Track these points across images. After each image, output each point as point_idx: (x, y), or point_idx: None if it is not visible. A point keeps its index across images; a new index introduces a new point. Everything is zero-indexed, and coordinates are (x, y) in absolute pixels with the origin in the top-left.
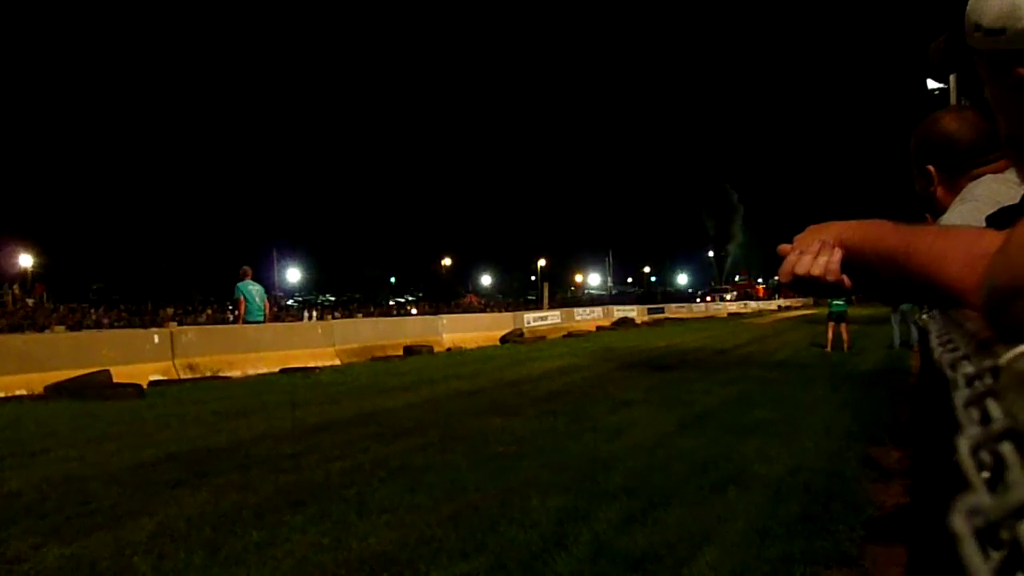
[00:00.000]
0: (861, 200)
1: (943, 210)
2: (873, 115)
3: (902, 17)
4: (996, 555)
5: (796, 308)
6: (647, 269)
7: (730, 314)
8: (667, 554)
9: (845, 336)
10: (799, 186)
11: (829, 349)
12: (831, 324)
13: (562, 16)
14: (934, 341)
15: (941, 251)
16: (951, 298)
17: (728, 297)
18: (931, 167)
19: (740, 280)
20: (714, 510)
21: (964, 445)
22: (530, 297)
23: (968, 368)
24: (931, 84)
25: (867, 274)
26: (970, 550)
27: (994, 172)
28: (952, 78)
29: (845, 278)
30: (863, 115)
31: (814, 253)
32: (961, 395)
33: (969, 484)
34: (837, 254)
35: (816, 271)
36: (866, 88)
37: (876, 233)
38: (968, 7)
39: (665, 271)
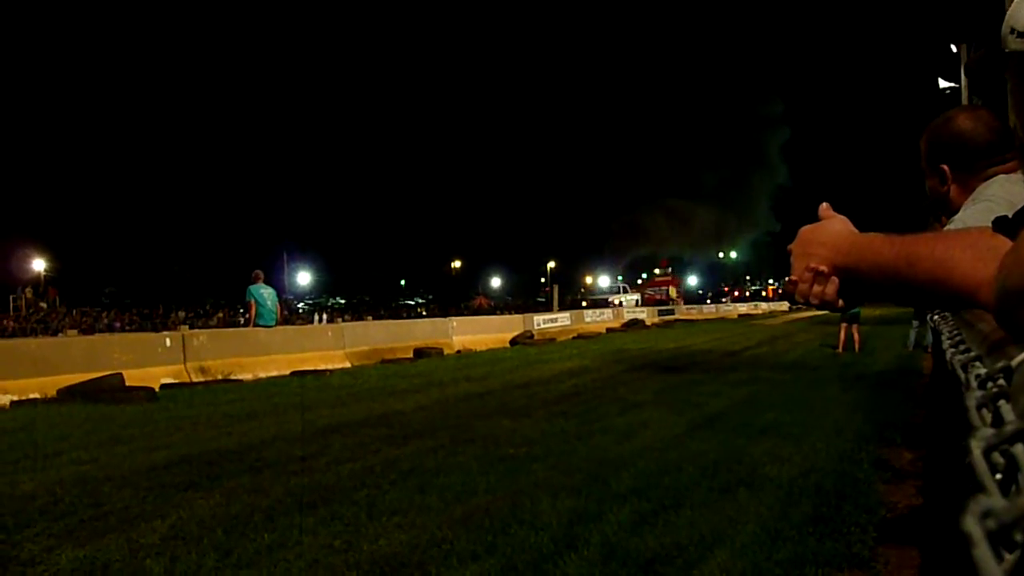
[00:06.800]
0: (871, 200)
1: (956, 209)
2: (883, 114)
3: (913, 17)
4: (1010, 557)
5: (807, 309)
6: (657, 271)
7: (740, 315)
8: (678, 556)
9: (857, 337)
10: (807, 184)
11: (840, 350)
12: (843, 325)
13: (573, 18)
14: (946, 342)
15: (944, 254)
16: (961, 299)
17: (619, 301)
18: (945, 166)
19: (660, 275)
20: (725, 512)
21: (976, 447)
22: (540, 299)
23: (980, 369)
24: (942, 83)
25: (869, 289)
26: (983, 552)
27: (1006, 172)
28: (964, 78)
29: (840, 302)
30: (872, 114)
31: (808, 282)
32: (973, 396)
33: (982, 486)
34: (832, 285)
35: (814, 301)
36: (877, 87)
37: (869, 250)
38: (1008, 14)
39: (676, 273)
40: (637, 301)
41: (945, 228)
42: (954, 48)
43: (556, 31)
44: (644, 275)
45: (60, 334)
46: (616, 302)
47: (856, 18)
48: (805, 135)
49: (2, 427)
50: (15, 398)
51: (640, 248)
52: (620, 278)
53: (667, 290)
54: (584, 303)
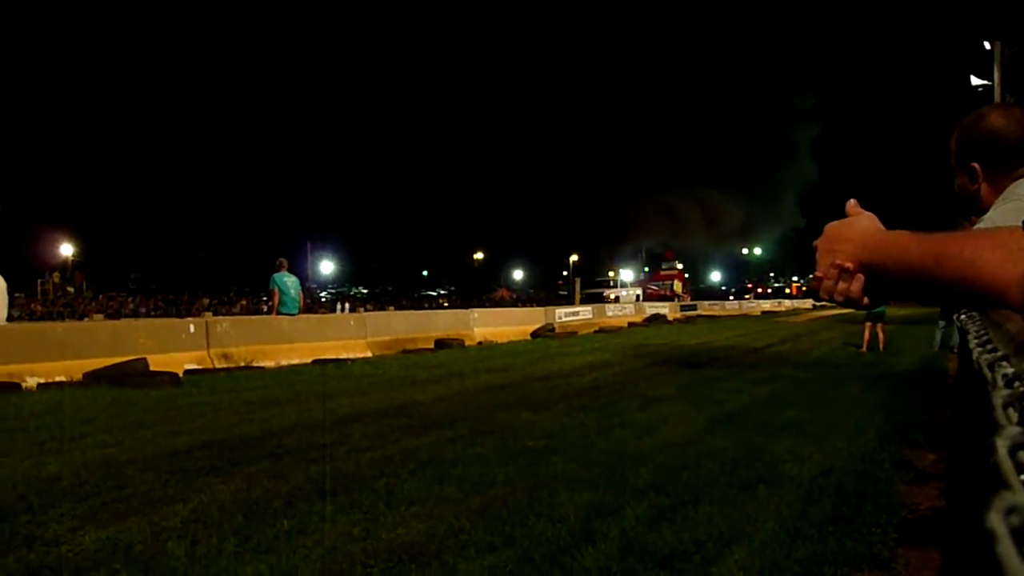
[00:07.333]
0: (899, 197)
1: (986, 208)
2: (914, 111)
3: (946, 13)
4: None
5: (831, 306)
6: (680, 266)
7: (764, 312)
8: (695, 552)
9: (881, 336)
10: (835, 180)
11: (864, 349)
12: (868, 324)
13: (599, 7)
14: (972, 342)
15: (973, 253)
16: (989, 300)
17: (614, 296)
18: (976, 164)
19: (667, 267)
20: (744, 509)
21: (1002, 445)
22: (562, 292)
23: (1007, 369)
24: (975, 80)
25: (895, 287)
26: (1007, 549)
27: None
28: (997, 75)
29: (865, 299)
30: (903, 111)
31: (834, 279)
32: (1000, 395)
33: (1007, 484)
34: (857, 283)
35: (839, 299)
36: (908, 84)
37: (896, 247)
38: None
39: (699, 268)
40: (638, 296)
41: (975, 227)
42: (987, 45)
43: (582, 21)
44: (647, 268)
45: (86, 318)
46: (612, 297)
47: (889, 14)
48: (834, 131)
49: (29, 409)
50: (42, 381)
51: (668, 235)
52: (619, 271)
53: (671, 284)
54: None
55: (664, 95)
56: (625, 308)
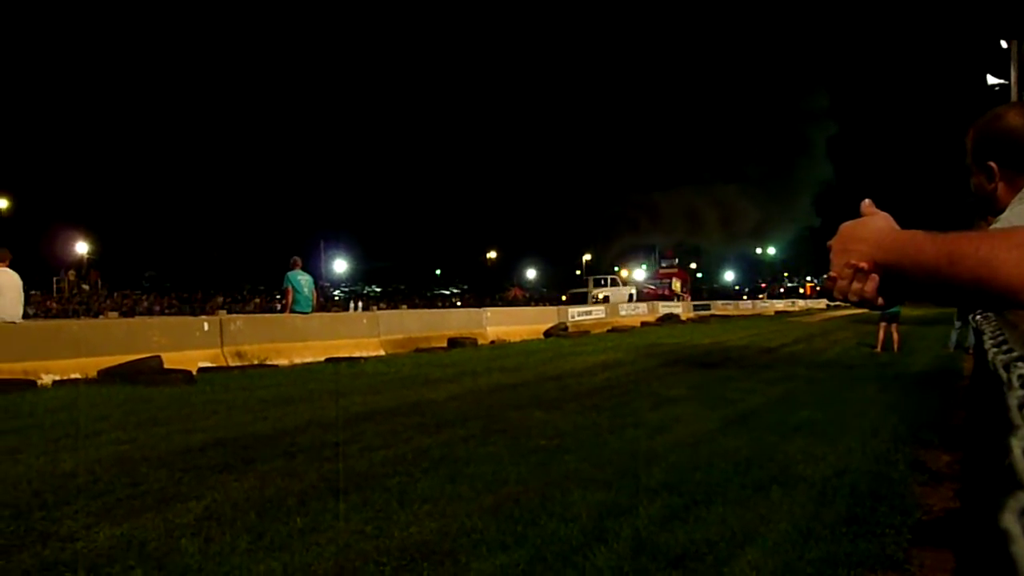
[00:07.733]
0: (915, 197)
1: (1002, 208)
2: (930, 110)
3: (963, 12)
4: None
5: (845, 306)
6: (693, 265)
7: (777, 312)
8: (708, 552)
9: (896, 337)
10: (850, 179)
11: (879, 349)
12: (882, 324)
13: (615, 9)
14: (988, 342)
15: (989, 253)
16: (1005, 300)
17: (602, 296)
18: (992, 163)
19: (666, 265)
20: (757, 509)
21: (1017, 446)
22: (575, 292)
23: (1023, 369)
24: (991, 79)
25: (910, 287)
26: (1021, 549)
27: None
28: (1014, 74)
29: (879, 299)
30: (919, 111)
31: (848, 279)
32: (1015, 396)
33: (1021, 485)
34: (872, 283)
35: (853, 299)
36: (924, 83)
37: (911, 246)
38: None
39: (712, 268)
40: (631, 296)
41: (991, 227)
42: (1004, 44)
43: (598, 19)
44: (643, 266)
45: (101, 316)
46: (600, 296)
47: (905, 12)
48: (851, 130)
49: (44, 406)
50: (57, 378)
51: (683, 233)
52: (617, 268)
53: (670, 283)
54: (564, 297)
55: (680, 94)
56: (638, 307)
